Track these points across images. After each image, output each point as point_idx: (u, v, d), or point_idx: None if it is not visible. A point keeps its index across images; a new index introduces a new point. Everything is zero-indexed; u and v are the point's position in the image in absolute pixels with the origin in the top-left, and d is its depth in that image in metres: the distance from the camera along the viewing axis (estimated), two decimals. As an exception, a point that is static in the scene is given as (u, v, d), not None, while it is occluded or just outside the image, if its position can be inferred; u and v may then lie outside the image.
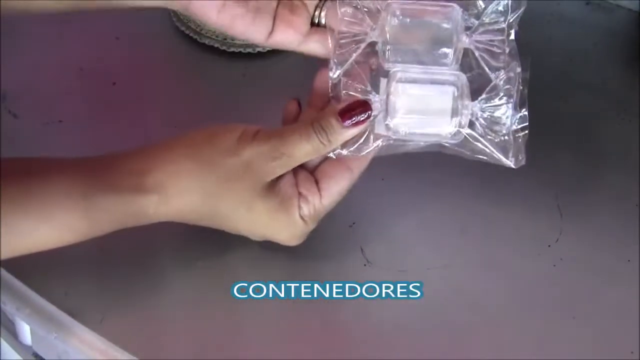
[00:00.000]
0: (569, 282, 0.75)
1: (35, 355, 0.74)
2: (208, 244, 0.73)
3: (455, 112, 0.66)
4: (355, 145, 0.67)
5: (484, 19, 0.67)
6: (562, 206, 0.80)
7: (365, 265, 0.74)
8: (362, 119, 0.66)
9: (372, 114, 0.66)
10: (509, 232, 0.78)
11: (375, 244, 0.75)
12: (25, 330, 0.72)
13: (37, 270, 0.68)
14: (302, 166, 0.68)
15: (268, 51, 0.94)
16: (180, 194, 0.65)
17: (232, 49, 0.94)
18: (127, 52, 0.95)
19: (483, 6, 0.68)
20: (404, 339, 0.69)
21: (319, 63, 0.71)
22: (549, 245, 0.77)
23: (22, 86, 0.88)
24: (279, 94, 0.91)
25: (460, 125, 0.66)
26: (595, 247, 0.77)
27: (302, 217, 0.68)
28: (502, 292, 0.73)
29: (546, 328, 0.71)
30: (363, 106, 0.66)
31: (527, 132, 0.66)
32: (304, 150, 0.66)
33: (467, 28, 0.68)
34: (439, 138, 0.67)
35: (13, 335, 0.74)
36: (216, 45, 0.94)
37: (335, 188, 0.69)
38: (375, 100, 0.67)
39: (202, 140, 0.67)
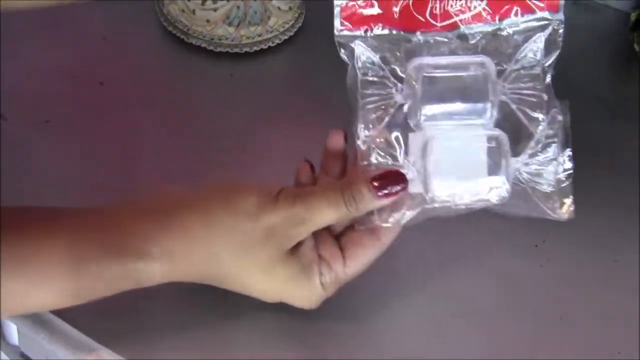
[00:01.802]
0: (557, 283, 0.75)
1: (23, 355, 0.74)
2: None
3: (496, 172, 0.63)
4: (391, 215, 0.64)
5: (515, 64, 0.64)
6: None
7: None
8: (395, 190, 0.62)
9: (407, 181, 0.63)
10: (497, 232, 0.78)
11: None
12: (13, 331, 0.72)
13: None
14: (324, 228, 0.65)
15: (255, 51, 0.94)
16: (190, 261, 0.63)
17: (219, 49, 0.94)
18: (115, 52, 0.95)
19: (513, 50, 0.64)
20: (399, 340, 0.70)
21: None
22: (536, 246, 0.77)
23: (10, 87, 0.88)
24: (267, 94, 0.91)
25: (503, 185, 0.63)
26: (583, 247, 0.77)
27: (322, 284, 0.65)
28: (489, 292, 0.73)
29: (534, 328, 0.71)
30: (398, 177, 0.63)
31: (571, 179, 0.64)
32: (330, 217, 0.63)
33: (498, 73, 0.64)
34: (482, 201, 0.64)
35: (0, 335, 0.74)
36: (203, 45, 0.94)
37: (362, 258, 0.66)
38: (410, 164, 0.63)
39: (216, 202, 0.63)
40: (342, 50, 0.65)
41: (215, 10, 0.93)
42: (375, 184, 0.62)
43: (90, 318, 0.68)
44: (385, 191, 0.62)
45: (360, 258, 0.66)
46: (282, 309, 0.67)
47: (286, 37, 0.96)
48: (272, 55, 0.93)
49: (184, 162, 0.82)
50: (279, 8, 0.96)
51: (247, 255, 0.63)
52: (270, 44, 0.95)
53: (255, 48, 0.95)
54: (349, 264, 0.66)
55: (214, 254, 0.63)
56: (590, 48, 1.02)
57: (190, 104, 0.90)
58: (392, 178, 0.63)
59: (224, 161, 0.83)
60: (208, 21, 0.94)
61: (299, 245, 0.64)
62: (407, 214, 0.64)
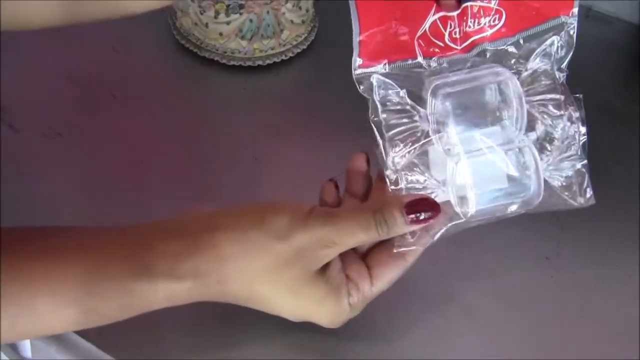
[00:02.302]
0: (567, 295, 0.75)
1: (35, 368, 0.74)
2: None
3: (527, 182, 0.63)
4: (425, 237, 0.64)
5: (531, 65, 0.64)
6: (561, 218, 0.80)
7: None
8: (427, 217, 0.62)
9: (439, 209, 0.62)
10: (507, 243, 0.78)
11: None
12: (26, 343, 0.72)
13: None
14: (350, 249, 0.64)
15: (268, 64, 0.95)
16: (221, 281, 0.62)
17: (232, 63, 0.94)
18: (127, 65, 0.95)
19: (530, 52, 0.64)
20: (400, 348, 0.69)
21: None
22: (547, 258, 0.77)
23: (22, 99, 0.88)
24: (280, 107, 0.91)
25: (539, 189, 0.63)
26: (594, 259, 0.77)
27: (350, 304, 0.65)
28: (500, 304, 0.73)
29: (543, 339, 0.71)
30: (430, 205, 0.62)
31: (586, 167, 0.65)
32: (359, 239, 0.62)
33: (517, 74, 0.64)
34: (521, 207, 0.64)
35: (13, 348, 0.74)
36: (216, 58, 0.94)
37: (388, 277, 0.66)
38: (438, 185, 0.63)
39: (249, 222, 0.62)
40: (361, 87, 0.64)
41: (228, 23, 0.93)
42: (408, 209, 0.62)
43: (102, 329, 0.68)
44: (418, 217, 0.62)
45: (386, 277, 0.66)
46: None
47: (299, 50, 0.97)
48: (285, 68, 0.94)
49: (196, 175, 0.82)
50: (291, 21, 0.96)
51: (276, 276, 0.62)
52: (283, 57, 0.96)
53: (268, 61, 0.95)
54: (376, 283, 0.65)
55: (245, 274, 0.62)
56: (600, 59, 1.02)
57: (203, 117, 0.90)
58: (425, 205, 0.62)
59: (237, 173, 0.83)
60: (221, 34, 0.94)
61: (327, 266, 0.64)
62: (438, 234, 0.64)
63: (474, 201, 0.63)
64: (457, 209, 0.63)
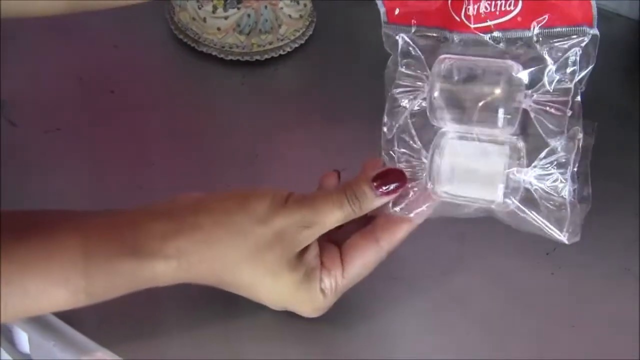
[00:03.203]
0: (567, 291, 0.74)
1: (33, 363, 0.74)
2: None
3: (505, 180, 0.62)
4: (404, 204, 0.65)
5: (547, 76, 0.62)
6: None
7: (370, 278, 0.73)
8: (393, 188, 0.64)
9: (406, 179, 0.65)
10: (508, 239, 0.77)
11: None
12: (23, 338, 0.72)
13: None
14: (325, 235, 0.66)
15: (266, 59, 0.94)
16: (204, 262, 0.63)
17: (230, 57, 0.94)
18: (126, 60, 0.95)
19: (547, 60, 0.62)
20: (402, 345, 0.69)
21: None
22: (547, 254, 0.77)
23: (21, 95, 0.88)
24: (278, 101, 0.91)
25: (509, 194, 0.62)
26: (594, 255, 0.77)
27: (322, 290, 0.66)
28: (500, 300, 0.73)
29: (544, 336, 0.71)
30: (397, 175, 0.65)
31: (588, 208, 0.64)
32: (336, 218, 0.64)
33: (531, 86, 0.62)
34: (487, 205, 0.64)
35: (11, 343, 0.74)
36: (214, 53, 0.94)
37: (359, 261, 0.66)
38: (426, 159, 0.64)
39: (233, 206, 0.64)
40: (386, 41, 0.66)
41: (226, 18, 0.93)
42: (376, 182, 0.64)
43: (100, 325, 0.68)
44: (386, 188, 0.64)
45: (358, 262, 0.66)
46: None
47: (297, 45, 0.97)
48: (283, 63, 0.93)
49: (195, 170, 0.82)
50: (289, 16, 0.96)
51: (257, 259, 0.63)
52: (281, 52, 0.95)
53: (266, 56, 0.95)
54: (347, 268, 0.66)
55: (228, 257, 0.63)
56: (600, 55, 1.01)
57: (201, 112, 0.90)
58: (392, 176, 0.65)
59: (235, 168, 0.83)
60: (219, 29, 0.94)
61: (305, 251, 0.65)
62: (424, 209, 0.65)
63: (448, 186, 0.64)
64: (430, 185, 0.64)
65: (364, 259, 0.67)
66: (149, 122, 0.88)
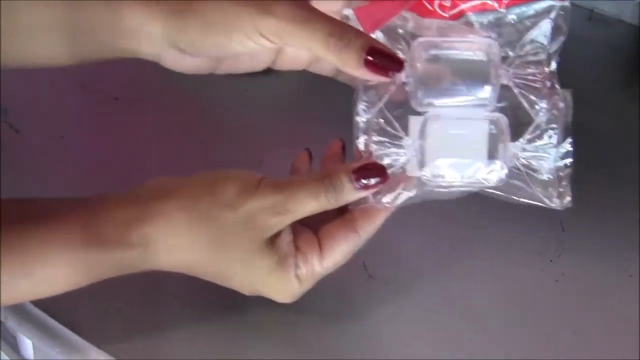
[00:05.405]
0: (571, 297, 0.74)
1: (37, 370, 0.74)
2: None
3: (494, 156, 0.62)
4: (385, 196, 0.64)
5: (520, 50, 0.64)
6: (564, 220, 0.80)
7: (367, 280, 0.74)
8: (375, 182, 0.62)
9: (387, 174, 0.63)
10: (511, 246, 0.78)
11: (378, 258, 0.75)
12: (28, 346, 0.72)
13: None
14: (302, 221, 0.64)
15: (270, 68, 0.94)
16: (171, 249, 0.62)
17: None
18: (129, 67, 0.95)
19: (519, 35, 0.64)
20: (405, 352, 0.69)
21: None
22: (551, 260, 0.77)
23: (24, 101, 0.88)
24: (281, 110, 0.91)
25: (501, 170, 0.62)
26: (598, 262, 0.77)
27: (297, 277, 0.64)
28: (504, 307, 0.73)
29: (548, 343, 0.71)
30: (378, 169, 0.62)
31: (571, 168, 0.64)
32: (310, 207, 0.62)
33: (503, 59, 0.63)
34: (478, 184, 0.63)
35: (15, 350, 0.74)
36: (218, 60, 0.94)
37: (338, 250, 0.65)
38: (408, 144, 0.63)
39: (200, 190, 0.63)
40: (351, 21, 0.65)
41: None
42: (356, 175, 0.62)
43: (104, 332, 0.68)
44: (365, 182, 0.62)
45: (336, 250, 0.65)
46: (286, 309, 0.67)
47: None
48: (287, 73, 0.93)
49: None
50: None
51: (226, 245, 0.62)
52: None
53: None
54: (325, 256, 0.65)
55: (194, 243, 0.62)
56: (602, 61, 1.02)
57: (204, 121, 0.90)
58: (373, 170, 0.62)
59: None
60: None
61: (276, 237, 0.64)
62: (402, 195, 0.64)
63: (437, 167, 0.63)
64: (415, 171, 0.63)
65: (342, 248, 0.65)
66: (151, 129, 0.88)
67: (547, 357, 0.70)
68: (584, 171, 0.85)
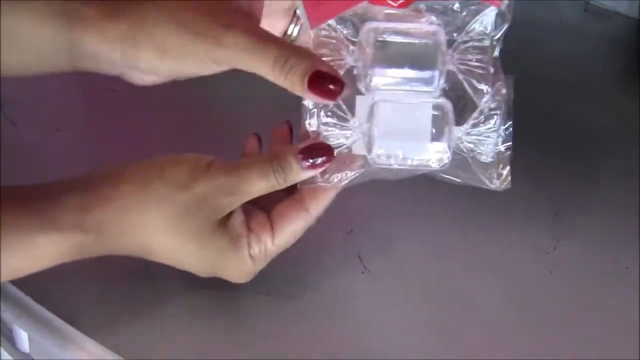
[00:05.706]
0: (566, 289, 0.75)
1: (33, 362, 0.74)
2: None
3: (439, 139, 0.64)
4: (333, 176, 0.66)
5: (465, 36, 0.65)
6: (559, 213, 0.80)
7: (362, 272, 0.74)
8: (322, 162, 0.64)
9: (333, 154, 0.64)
10: (507, 238, 0.78)
11: (373, 251, 0.75)
12: (23, 338, 0.72)
13: (35, 277, 0.68)
14: (254, 202, 0.66)
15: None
16: (123, 233, 0.63)
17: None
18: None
19: (464, 22, 0.65)
20: (402, 344, 0.70)
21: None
22: (547, 252, 0.77)
23: (21, 94, 0.88)
24: (283, 104, 0.91)
25: (444, 152, 0.64)
26: (593, 254, 0.77)
27: (251, 256, 0.66)
28: (499, 298, 0.73)
29: (543, 335, 0.71)
30: (324, 149, 0.64)
31: (510, 151, 0.65)
32: (260, 187, 0.64)
33: (449, 44, 0.65)
34: (422, 165, 0.65)
35: (11, 342, 0.74)
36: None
37: (289, 228, 0.67)
38: (355, 126, 0.65)
39: (151, 174, 0.64)
40: (299, 10, 0.66)
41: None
42: (303, 155, 0.64)
43: (101, 324, 0.68)
44: (312, 162, 0.64)
45: (287, 229, 0.67)
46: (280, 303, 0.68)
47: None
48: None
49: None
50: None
51: (178, 226, 0.63)
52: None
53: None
54: (277, 235, 0.66)
55: (147, 226, 0.63)
56: (599, 54, 1.02)
57: (203, 113, 0.90)
58: (319, 150, 0.64)
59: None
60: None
61: (228, 218, 0.65)
62: (348, 175, 0.66)
63: (383, 147, 0.65)
64: (367, 154, 0.65)
65: (293, 227, 0.67)
66: (149, 121, 0.88)
67: (542, 346, 0.70)
68: (579, 164, 0.85)
